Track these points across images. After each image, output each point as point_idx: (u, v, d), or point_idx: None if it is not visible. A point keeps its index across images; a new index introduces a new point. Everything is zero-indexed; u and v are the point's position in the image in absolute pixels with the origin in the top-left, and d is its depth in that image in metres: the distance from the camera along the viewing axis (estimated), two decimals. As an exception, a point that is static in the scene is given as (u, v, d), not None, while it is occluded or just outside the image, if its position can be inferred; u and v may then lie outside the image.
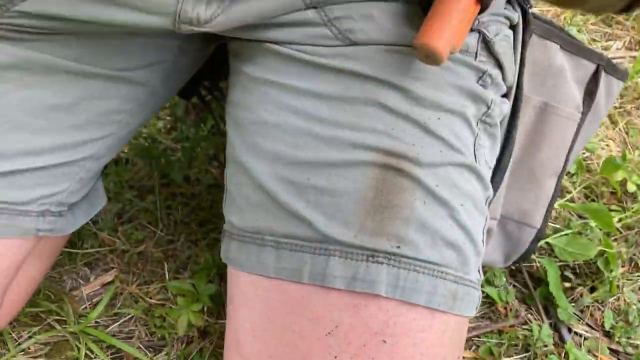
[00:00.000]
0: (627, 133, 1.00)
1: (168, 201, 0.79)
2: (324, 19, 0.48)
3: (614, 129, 1.01)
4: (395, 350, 0.45)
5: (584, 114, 0.65)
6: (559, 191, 0.68)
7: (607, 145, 0.97)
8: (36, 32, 0.51)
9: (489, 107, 0.50)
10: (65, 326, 0.67)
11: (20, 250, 0.57)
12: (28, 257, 0.60)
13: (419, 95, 0.46)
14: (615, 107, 1.04)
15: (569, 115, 0.64)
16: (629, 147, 0.96)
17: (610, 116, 1.03)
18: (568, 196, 0.87)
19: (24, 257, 0.59)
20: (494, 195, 0.54)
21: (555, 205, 0.83)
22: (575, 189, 0.88)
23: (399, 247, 0.45)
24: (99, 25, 0.50)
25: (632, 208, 0.84)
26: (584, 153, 0.93)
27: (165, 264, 0.73)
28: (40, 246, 0.62)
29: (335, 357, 0.45)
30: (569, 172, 0.90)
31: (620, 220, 0.82)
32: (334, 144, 0.46)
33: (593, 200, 0.88)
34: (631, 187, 0.84)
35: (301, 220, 0.46)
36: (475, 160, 0.49)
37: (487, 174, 0.52)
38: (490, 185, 0.52)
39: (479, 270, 0.50)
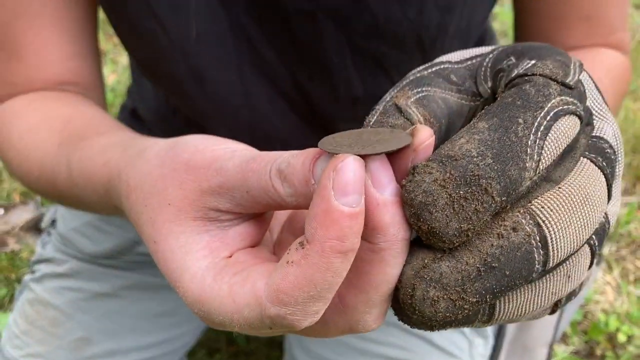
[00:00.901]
0: (622, 278, 1.15)
1: (231, 358, 0.97)
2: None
3: (610, 274, 1.16)
4: None
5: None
6: (552, 355, 0.83)
7: (604, 291, 1.12)
8: (146, 262, 0.72)
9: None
10: None
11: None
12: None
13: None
14: (611, 253, 1.20)
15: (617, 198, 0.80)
16: (624, 295, 1.11)
17: (607, 261, 1.18)
18: (570, 343, 1.02)
19: None
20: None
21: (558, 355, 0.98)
22: (575, 335, 1.03)
23: None
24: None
25: (623, 357, 0.98)
26: (582, 302, 1.08)
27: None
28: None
29: None
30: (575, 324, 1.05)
31: (613, 368, 0.97)
32: (365, 354, 0.64)
33: (592, 347, 1.02)
34: (621, 338, 0.99)
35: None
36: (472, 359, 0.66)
37: (484, 363, 0.69)
38: (486, 373, 0.68)
39: None
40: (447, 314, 0.23)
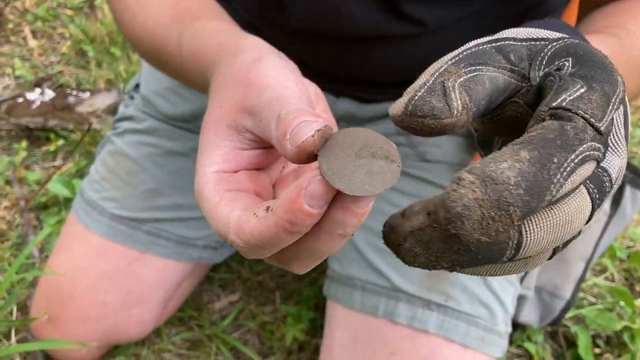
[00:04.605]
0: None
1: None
2: (408, 142, 0.71)
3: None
4: (436, 370, 0.66)
5: (611, 216, 0.84)
6: (586, 273, 0.86)
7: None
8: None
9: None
10: (202, 329, 0.92)
11: (186, 270, 0.84)
12: (188, 275, 0.86)
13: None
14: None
15: (596, 218, 0.82)
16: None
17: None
18: (608, 275, 1.04)
19: (186, 276, 0.85)
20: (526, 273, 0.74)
21: (591, 283, 1.00)
22: (615, 270, 1.04)
23: (446, 300, 0.66)
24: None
25: (662, 293, 0.99)
26: (629, 242, 1.09)
27: (277, 293, 0.97)
28: (196, 269, 0.88)
29: None
30: (616, 257, 1.06)
31: (649, 302, 0.98)
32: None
33: (632, 283, 1.04)
34: (662, 276, 1.00)
35: (381, 275, 0.68)
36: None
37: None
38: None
39: (506, 324, 0.70)
40: (419, 265, 0.28)
